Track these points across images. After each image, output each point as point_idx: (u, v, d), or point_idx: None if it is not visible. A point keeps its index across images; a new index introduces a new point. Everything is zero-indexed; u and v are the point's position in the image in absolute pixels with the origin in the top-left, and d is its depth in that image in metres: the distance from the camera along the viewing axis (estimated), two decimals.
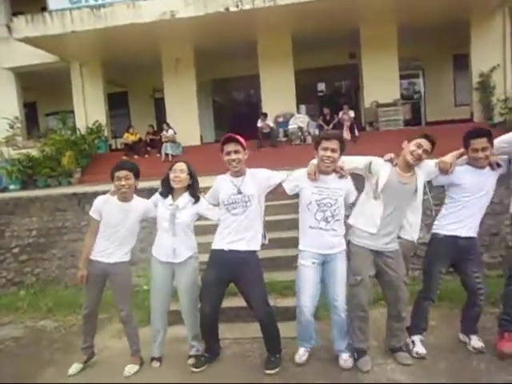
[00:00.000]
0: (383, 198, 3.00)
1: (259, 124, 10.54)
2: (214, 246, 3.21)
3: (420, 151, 2.96)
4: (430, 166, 3.14)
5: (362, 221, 3.11)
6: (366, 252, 3.09)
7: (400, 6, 9.43)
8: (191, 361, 3.36)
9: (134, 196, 3.34)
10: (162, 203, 3.31)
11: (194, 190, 3.31)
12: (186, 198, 3.30)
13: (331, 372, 3.13)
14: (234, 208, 3.11)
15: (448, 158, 3.16)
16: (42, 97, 14.05)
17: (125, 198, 3.27)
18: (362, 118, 11.39)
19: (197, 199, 3.30)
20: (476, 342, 3.24)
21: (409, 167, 3.04)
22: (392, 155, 3.10)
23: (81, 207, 6.09)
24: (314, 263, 3.10)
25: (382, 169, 3.04)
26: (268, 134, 10.37)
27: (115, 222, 3.26)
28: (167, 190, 3.31)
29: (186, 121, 11.15)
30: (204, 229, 4.00)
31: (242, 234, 3.10)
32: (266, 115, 10.59)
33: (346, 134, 9.88)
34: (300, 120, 10.48)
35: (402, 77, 11.28)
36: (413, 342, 3.28)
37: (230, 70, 12.30)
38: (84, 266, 3.31)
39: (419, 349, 3.22)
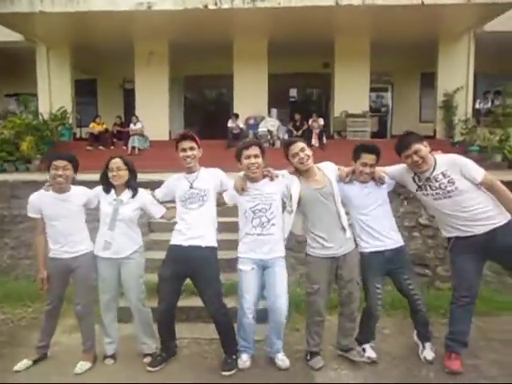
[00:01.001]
0: (307, 210, 3.15)
1: (229, 124, 10.53)
2: (172, 242, 3.21)
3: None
4: (334, 170, 3.28)
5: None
6: (321, 260, 3.17)
7: (374, 22, 9.74)
8: (147, 359, 3.30)
9: (72, 186, 3.26)
10: (105, 199, 3.26)
11: (131, 184, 3.28)
12: (127, 193, 3.28)
13: (280, 374, 3.17)
14: (191, 203, 3.16)
15: (347, 168, 3.28)
16: (1, 76, 13.34)
17: (61, 189, 3.18)
18: (331, 126, 11.60)
19: (135, 192, 3.27)
20: (428, 352, 3.32)
21: (312, 172, 3.17)
22: (292, 168, 3.21)
23: None
24: (253, 268, 3.16)
25: (292, 181, 3.17)
26: (237, 135, 10.36)
27: (57, 214, 3.17)
28: (108, 186, 3.27)
29: (156, 115, 10.94)
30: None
31: (200, 230, 3.13)
32: (237, 116, 10.60)
33: (315, 141, 10.07)
34: (270, 124, 10.56)
35: (371, 90, 11.59)
36: (363, 349, 3.37)
37: (204, 68, 12.19)
38: (43, 268, 3.21)
39: (370, 353, 3.32)
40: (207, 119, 13.58)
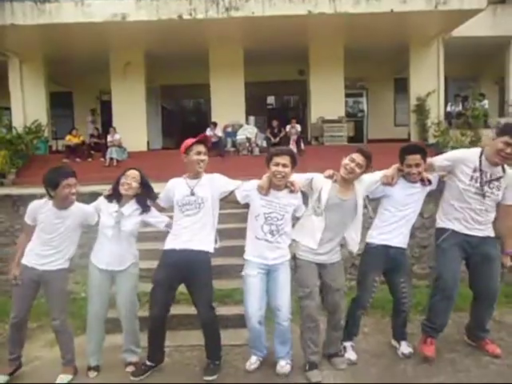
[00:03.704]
0: (325, 215, 3.11)
1: (208, 133, 10.54)
2: (166, 247, 3.19)
3: (353, 165, 3.08)
4: (369, 180, 3.29)
5: (303, 237, 3.21)
6: (311, 265, 3.17)
7: (347, 29, 10.01)
8: (130, 369, 3.28)
9: (75, 202, 3.21)
10: (106, 209, 3.23)
11: (143, 200, 3.26)
12: (132, 205, 3.24)
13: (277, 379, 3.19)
14: (188, 209, 3.14)
15: (389, 171, 3.33)
16: None
17: (65, 205, 3.13)
18: (309, 132, 11.78)
19: (146, 209, 3.25)
20: (405, 347, 3.42)
21: (347, 183, 3.16)
22: (331, 172, 3.22)
23: (15, 210, 5.74)
24: (259, 273, 3.16)
25: (323, 185, 3.15)
26: (216, 144, 10.40)
27: (51, 228, 3.12)
28: (115, 196, 3.24)
29: (133, 126, 10.91)
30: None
31: (194, 235, 3.12)
32: (215, 124, 10.66)
33: (293, 147, 10.17)
34: (248, 131, 10.64)
35: (347, 95, 11.81)
36: (344, 347, 3.42)
37: (181, 78, 12.24)
38: (17, 266, 3.16)
39: (350, 355, 3.37)
40: (185, 128, 13.58)
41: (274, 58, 11.07)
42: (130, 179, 3.20)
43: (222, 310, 3.77)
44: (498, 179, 3.21)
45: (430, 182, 3.34)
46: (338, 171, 3.18)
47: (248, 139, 10.47)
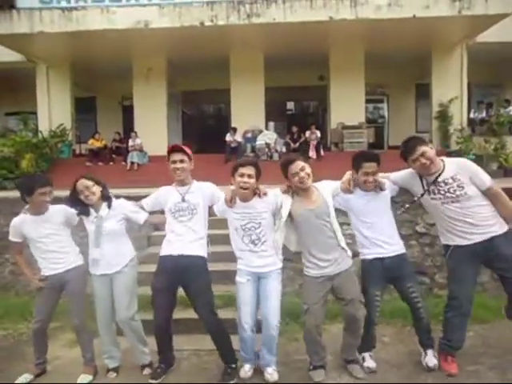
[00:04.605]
0: (303, 229, 3.12)
1: (227, 138, 10.63)
2: (162, 253, 3.23)
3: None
4: (329, 186, 3.25)
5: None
6: (315, 281, 3.14)
7: (368, 35, 9.91)
8: (147, 371, 3.32)
9: (49, 206, 3.27)
10: (87, 219, 3.28)
11: (108, 197, 3.29)
12: (105, 206, 3.28)
13: None
14: (181, 216, 3.18)
15: (345, 177, 3.27)
16: (2, 95, 13.53)
17: (40, 211, 3.21)
18: (328, 138, 11.71)
19: (110, 201, 3.27)
20: (430, 359, 3.28)
21: (308, 192, 3.13)
22: (285, 187, 3.20)
23: None
24: (248, 280, 3.17)
25: (284, 201, 3.15)
26: (235, 149, 10.46)
27: (39, 235, 3.21)
28: (85, 208, 3.26)
29: (154, 130, 11.06)
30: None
31: (189, 241, 3.15)
32: (235, 130, 10.71)
33: (312, 153, 10.15)
34: (268, 137, 10.64)
35: (367, 101, 11.73)
36: (363, 358, 3.37)
37: (202, 83, 12.36)
38: (34, 276, 3.27)
39: (369, 363, 3.32)
40: (205, 134, 13.71)
41: (295, 63, 11.07)
42: (86, 191, 3.18)
43: (227, 315, 3.74)
44: (446, 181, 3.06)
45: (381, 188, 3.24)
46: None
47: (267, 145, 10.48)
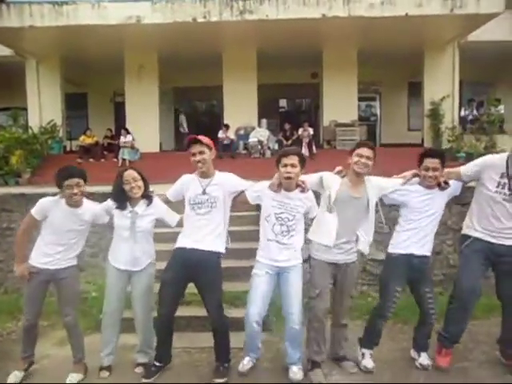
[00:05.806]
0: (336, 211, 3.09)
1: (220, 135, 10.59)
2: (177, 245, 3.19)
3: (363, 160, 3.08)
4: (380, 182, 3.26)
5: (318, 235, 3.19)
6: (325, 265, 3.15)
7: (361, 33, 9.93)
8: (139, 369, 3.29)
9: (84, 200, 3.22)
10: (119, 213, 3.21)
11: (149, 196, 3.26)
12: (143, 204, 3.23)
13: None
14: (200, 208, 3.13)
15: (406, 173, 3.30)
16: None
17: (76, 203, 3.15)
18: (321, 135, 11.73)
19: (150, 200, 3.24)
20: (424, 359, 3.32)
21: (358, 181, 3.14)
22: (340, 168, 3.23)
23: (29, 209, 5.79)
24: (267, 273, 3.14)
25: (333, 182, 3.15)
26: (228, 146, 10.43)
27: (63, 227, 3.12)
28: (123, 202, 3.19)
29: (146, 127, 10.99)
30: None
31: (206, 234, 3.11)
32: (227, 127, 10.67)
33: (305, 151, 10.15)
34: (260, 134, 10.63)
35: (360, 99, 11.75)
36: (363, 354, 3.37)
37: (194, 80, 12.30)
38: (21, 263, 3.14)
39: (367, 363, 3.30)
40: (198, 130, 13.59)
41: (287, 60, 11.06)
42: (133, 181, 3.15)
43: (233, 313, 3.76)
44: None
45: (446, 183, 3.25)
46: (347, 170, 3.18)
47: (260, 142, 10.47)
